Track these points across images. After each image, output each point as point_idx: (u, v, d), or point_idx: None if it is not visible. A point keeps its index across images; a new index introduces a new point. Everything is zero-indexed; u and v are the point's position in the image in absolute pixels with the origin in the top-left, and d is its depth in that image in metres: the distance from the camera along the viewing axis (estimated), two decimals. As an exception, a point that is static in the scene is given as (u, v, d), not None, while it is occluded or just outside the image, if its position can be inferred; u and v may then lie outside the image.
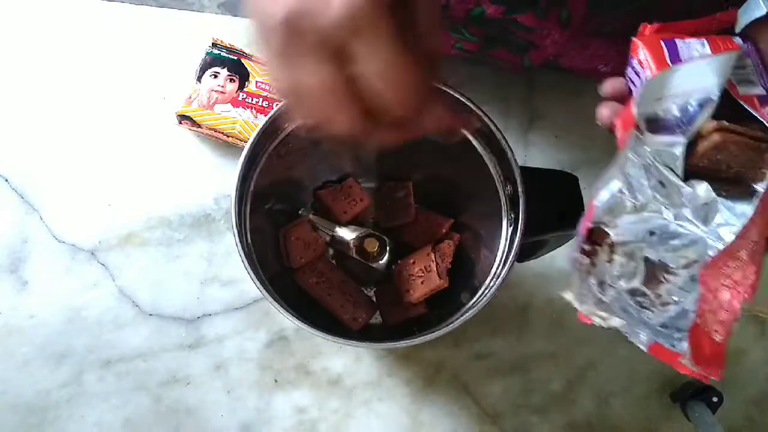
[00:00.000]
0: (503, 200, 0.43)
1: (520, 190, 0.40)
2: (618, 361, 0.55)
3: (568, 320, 0.56)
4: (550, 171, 0.43)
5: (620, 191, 0.29)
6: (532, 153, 0.58)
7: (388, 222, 0.53)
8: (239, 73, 0.54)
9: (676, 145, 0.29)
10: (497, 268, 0.43)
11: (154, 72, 0.57)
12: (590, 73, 0.54)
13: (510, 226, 0.43)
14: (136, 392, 0.51)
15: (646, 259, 0.30)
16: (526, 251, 0.44)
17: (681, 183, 0.29)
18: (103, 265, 0.53)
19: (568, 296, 0.30)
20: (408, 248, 0.51)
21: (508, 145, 0.41)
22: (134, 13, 0.58)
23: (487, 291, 0.41)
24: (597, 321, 0.31)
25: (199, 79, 0.53)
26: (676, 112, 0.29)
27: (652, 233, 0.29)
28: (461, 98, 0.41)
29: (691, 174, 0.29)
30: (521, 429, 0.54)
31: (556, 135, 0.59)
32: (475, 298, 0.42)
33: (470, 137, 0.43)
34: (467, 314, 0.39)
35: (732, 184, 0.29)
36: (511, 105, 0.59)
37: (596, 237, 0.30)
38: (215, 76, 0.53)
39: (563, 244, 0.45)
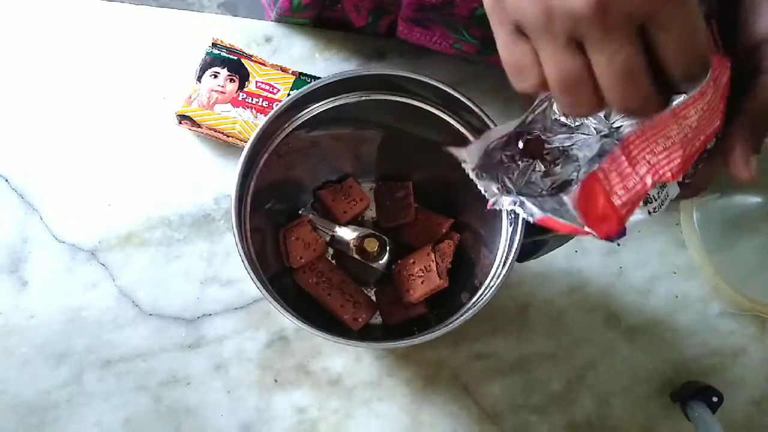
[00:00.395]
0: (503, 200, 0.43)
1: (520, 190, 0.40)
2: (618, 361, 0.55)
3: (568, 320, 0.56)
4: (550, 171, 0.43)
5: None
6: (532, 153, 0.58)
7: (388, 222, 0.53)
8: (239, 73, 0.54)
9: None
10: (497, 268, 0.43)
11: (154, 72, 0.57)
12: None
13: (510, 226, 0.43)
14: (136, 392, 0.51)
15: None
16: (526, 251, 0.44)
17: None
18: (103, 265, 0.53)
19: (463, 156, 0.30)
20: (408, 248, 0.51)
21: (508, 145, 0.41)
22: (134, 13, 0.58)
23: (487, 291, 0.41)
24: (489, 196, 0.30)
25: (199, 79, 0.53)
26: None
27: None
28: (461, 98, 0.41)
29: None
30: (521, 429, 0.54)
31: (556, 135, 0.59)
32: (475, 298, 0.42)
33: (470, 137, 0.43)
34: (467, 314, 0.39)
35: None
36: (511, 105, 0.59)
37: (533, 147, 0.31)
38: (215, 76, 0.53)
39: (563, 243, 0.45)
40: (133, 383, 0.51)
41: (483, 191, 0.30)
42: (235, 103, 0.53)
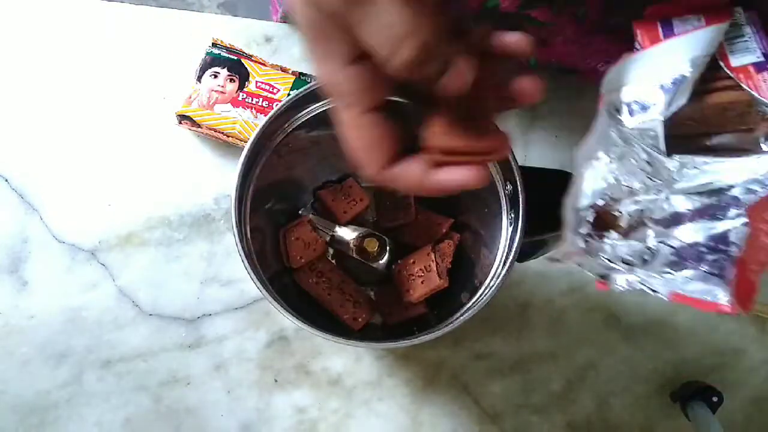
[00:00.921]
0: (503, 200, 0.43)
1: (520, 189, 0.40)
2: (618, 361, 0.55)
3: (568, 320, 0.56)
4: (550, 171, 0.43)
5: (614, 178, 0.30)
6: (532, 153, 0.58)
7: (388, 222, 0.53)
8: (239, 73, 0.54)
9: (655, 123, 0.29)
10: (497, 268, 0.43)
11: (153, 72, 0.57)
12: (590, 72, 0.53)
13: (510, 226, 0.43)
14: (136, 392, 0.51)
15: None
16: (526, 251, 0.44)
17: (664, 158, 0.29)
18: (103, 265, 0.53)
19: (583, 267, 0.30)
20: (408, 248, 0.51)
21: (508, 145, 0.41)
22: (134, 13, 0.58)
23: (487, 291, 0.41)
24: (618, 282, 0.30)
25: (199, 79, 0.53)
26: (642, 97, 0.30)
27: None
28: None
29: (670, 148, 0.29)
30: (521, 429, 0.54)
31: (556, 135, 0.59)
32: (475, 298, 0.42)
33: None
34: (467, 314, 0.39)
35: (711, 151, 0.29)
36: (511, 105, 0.59)
37: (604, 221, 0.31)
38: (215, 76, 0.53)
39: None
40: (133, 383, 0.51)
41: (592, 273, 0.31)
42: (235, 103, 0.53)
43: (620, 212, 0.31)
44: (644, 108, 0.30)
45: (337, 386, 0.53)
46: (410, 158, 0.25)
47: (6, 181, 0.54)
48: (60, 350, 0.51)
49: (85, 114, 0.55)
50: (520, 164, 0.40)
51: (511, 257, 0.40)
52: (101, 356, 0.51)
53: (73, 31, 0.57)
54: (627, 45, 0.34)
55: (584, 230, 0.31)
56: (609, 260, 0.31)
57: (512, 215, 0.42)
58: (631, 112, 0.31)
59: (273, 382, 0.52)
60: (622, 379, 0.55)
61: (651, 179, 0.30)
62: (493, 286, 0.41)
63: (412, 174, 0.24)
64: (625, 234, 0.31)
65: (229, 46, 0.55)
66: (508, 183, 0.42)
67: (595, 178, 0.31)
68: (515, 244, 0.40)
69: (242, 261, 0.39)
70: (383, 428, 0.52)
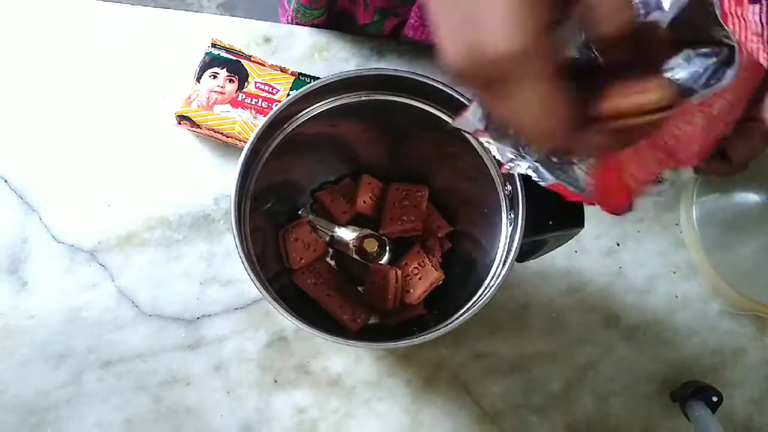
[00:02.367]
0: (503, 200, 0.43)
1: (519, 189, 0.40)
2: (618, 361, 0.55)
3: (567, 320, 0.56)
4: (549, 171, 0.43)
5: None
6: (531, 153, 0.58)
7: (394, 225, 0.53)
8: (238, 73, 0.54)
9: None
10: (497, 268, 0.43)
11: (153, 72, 0.57)
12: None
13: (510, 226, 0.43)
14: (136, 392, 0.51)
15: None
16: (526, 251, 0.44)
17: None
18: (103, 265, 0.53)
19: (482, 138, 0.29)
20: (408, 248, 0.51)
21: (508, 145, 0.41)
22: (133, 14, 0.58)
23: (487, 291, 0.41)
24: (504, 160, 0.30)
25: (198, 79, 0.53)
26: None
27: None
28: (460, 98, 0.41)
29: None
30: (521, 429, 0.54)
31: (556, 135, 0.59)
32: (475, 298, 0.42)
33: (469, 137, 0.43)
34: (467, 314, 0.39)
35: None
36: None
37: None
38: (214, 77, 0.53)
39: (563, 243, 0.45)
40: (133, 383, 0.51)
41: (498, 156, 0.30)
42: (235, 103, 0.53)
43: None
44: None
45: (337, 386, 0.53)
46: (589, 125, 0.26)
47: (5, 181, 0.54)
48: (60, 350, 0.51)
49: (84, 114, 0.55)
50: (519, 164, 0.40)
51: (510, 257, 0.40)
52: (101, 356, 0.51)
53: (72, 31, 0.57)
54: None
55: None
56: (510, 147, 0.31)
57: (512, 215, 0.42)
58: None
59: (273, 382, 0.52)
60: (622, 379, 0.55)
61: None
62: (492, 286, 0.41)
63: (597, 139, 0.25)
64: None
65: (228, 46, 0.55)
66: (507, 183, 0.42)
67: None
68: (515, 244, 0.40)
69: (242, 261, 0.39)
70: (383, 428, 0.52)
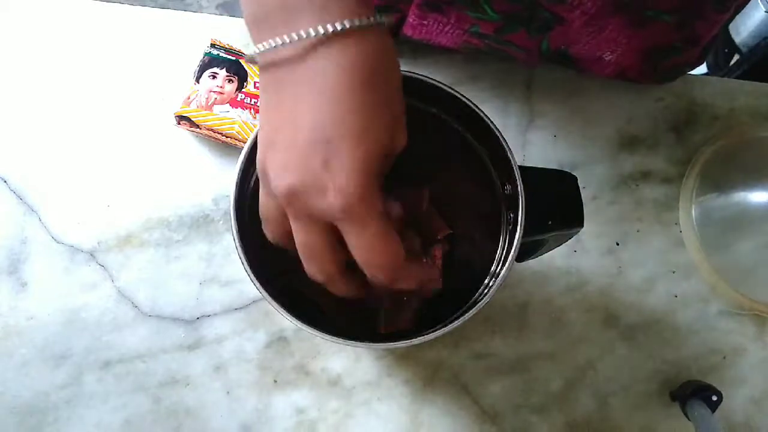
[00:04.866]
0: (502, 200, 0.43)
1: (519, 189, 0.40)
2: (618, 360, 0.55)
3: (567, 320, 0.56)
4: (549, 170, 0.43)
5: None
6: (530, 152, 0.58)
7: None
8: (238, 73, 0.54)
9: None
10: (496, 268, 0.43)
11: (152, 73, 0.57)
12: (595, 62, 0.53)
13: (509, 226, 0.43)
14: (136, 393, 0.51)
15: None
16: (526, 251, 0.44)
17: None
18: (102, 266, 0.53)
19: None
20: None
21: (507, 145, 0.41)
22: (133, 14, 0.58)
23: (486, 291, 0.41)
24: None
25: (197, 79, 0.53)
26: None
27: None
28: (461, 97, 0.41)
29: None
30: (521, 429, 0.54)
31: (555, 134, 0.59)
32: (474, 298, 0.42)
33: (469, 137, 0.43)
34: (467, 314, 0.39)
35: None
36: (510, 104, 0.59)
37: None
38: (214, 77, 0.53)
39: (562, 243, 0.45)
40: (133, 384, 0.51)
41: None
42: (234, 103, 0.53)
43: None
44: None
45: (337, 386, 0.53)
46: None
47: (5, 181, 0.53)
48: (59, 351, 0.51)
49: (83, 115, 0.55)
50: (519, 164, 0.40)
51: (510, 257, 0.40)
52: (100, 357, 0.51)
53: (71, 31, 0.57)
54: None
55: None
56: None
57: (511, 215, 0.42)
58: None
59: (272, 382, 0.52)
60: (621, 378, 0.55)
61: None
62: (492, 286, 0.41)
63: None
64: None
65: (227, 46, 0.55)
66: (506, 183, 0.42)
67: None
68: (514, 244, 0.40)
69: (241, 262, 0.39)
70: (383, 428, 0.52)
